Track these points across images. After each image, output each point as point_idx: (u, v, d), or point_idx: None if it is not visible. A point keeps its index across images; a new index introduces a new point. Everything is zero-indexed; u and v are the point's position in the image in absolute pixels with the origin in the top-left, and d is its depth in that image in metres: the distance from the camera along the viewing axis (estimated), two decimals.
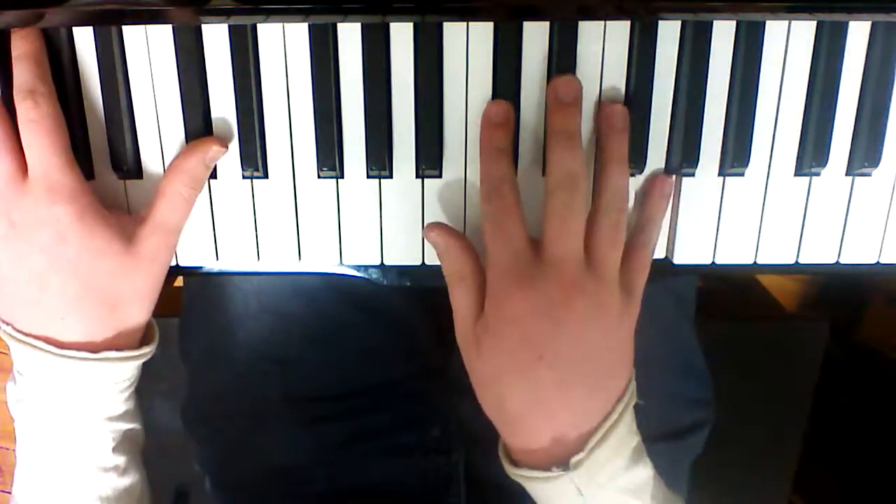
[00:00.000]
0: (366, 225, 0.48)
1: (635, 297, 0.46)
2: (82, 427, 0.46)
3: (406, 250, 0.49)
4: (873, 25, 0.45)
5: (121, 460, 0.48)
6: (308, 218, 0.48)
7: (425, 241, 0.48)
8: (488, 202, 0.44)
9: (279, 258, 0.49)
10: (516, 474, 0.47)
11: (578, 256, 0.43)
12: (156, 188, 0.46)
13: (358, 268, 0.51)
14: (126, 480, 0.49)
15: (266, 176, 0.48)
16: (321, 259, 0.49)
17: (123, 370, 0.47)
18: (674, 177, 0.48)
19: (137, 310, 0.47)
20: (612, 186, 0.45)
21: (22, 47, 0.43)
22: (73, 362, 0.44)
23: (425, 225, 0.47)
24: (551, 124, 0.45)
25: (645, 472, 0.46)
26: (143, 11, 0.42)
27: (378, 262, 0.49)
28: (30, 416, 0.47)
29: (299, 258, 0.49)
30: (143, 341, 0.49)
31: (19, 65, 0.43)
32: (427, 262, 0.49)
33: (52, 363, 0.44)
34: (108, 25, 0.44)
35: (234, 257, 0.49)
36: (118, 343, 0.46)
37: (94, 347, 0.45)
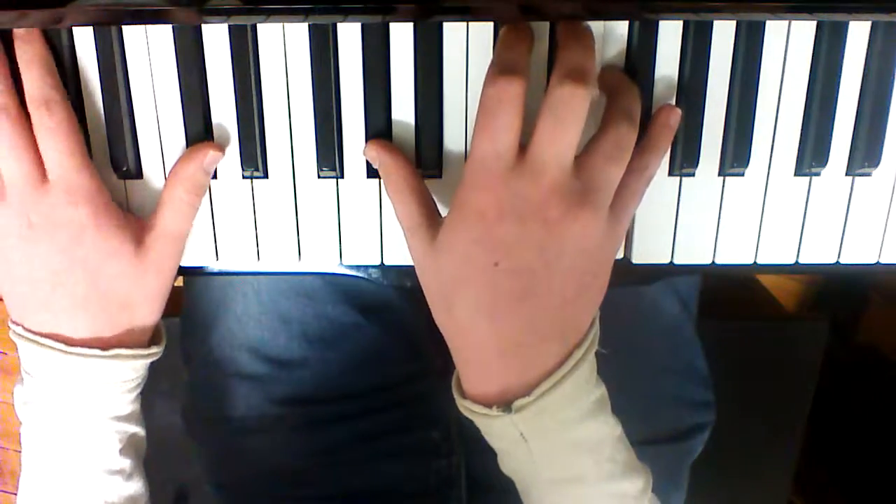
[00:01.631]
0: (366, 225, 0.48)
1: (622, 225, 0.42)
2: (89, 427, 0.46)
3: (406, 250, 0.49)
4: (873, 25, 0.45)
5: (126, 464, 0.48)
6: (308, 218, 0.48)
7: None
8: (492, 84, 0.39)
9: (279, 258, 0.49)
10: (463, 406, 0.44)
11: (566, 165, 0.39)
12: (158, 195, 0.46)
13: (358, 268, 0.51)
14: (131, 487, 0.49)
15: (266, 176, 0.48)
16: (321, 259, 0.49)
17: (132, 369, 0.47)
18: (679, 111, 0.45)
19: (147, 311, 0.47)
20: (624, 102, 0.41)
21: (29, 52, 0.43)
22: (81, 360, 0.44)
23: (365, 149, 0.45)
24: (562, 23, 0.42)
25: (604, 430, 0.43)
26: (146, 11, 0.42)
27: (378, 262, 0.49)
28: (36, 418, 0.47)
29: (299, 258, 0.49)
30: (152, 341, 0.49)
31: (29, 72, 0.43)
32: None
33: (60, 362, 0.44)
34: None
35: (234, 257, 0.49)
36: (127, 342, 0.46)
37: (103, 345, 0.45)
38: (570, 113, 0.39)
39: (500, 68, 0.40)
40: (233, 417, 0.65)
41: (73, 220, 0.43)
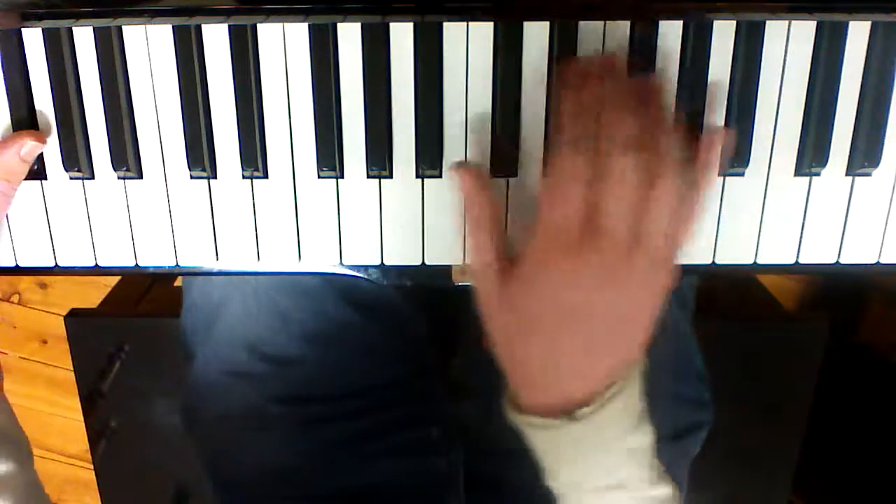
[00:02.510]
0: (366, 225, 0.48)
1: (670, 270, 0.44)
2: None
3: (406, 250, 0.49)
4: (873, 25, 0.45)
5: None
6: (308, 218, 0.48)
7: (425, 236, 0.48)
8: (563, 154, 0.42)
9: (279, 258, 0.49)
10: (521, 420, 0.46)
11: (630, 228, 0.42)
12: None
13: (358, 268, 0.51)
14: None
15: (266, 176, 0.48)
16: (321, 259, 0.49)
17: None
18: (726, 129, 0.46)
19: None
20: (701, 171, 0.43)
21: None
22: None
23: (450, 167, 0.47)
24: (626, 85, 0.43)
25: (646, 439, 0.46)
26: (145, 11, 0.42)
27: (378, 262, 0.49)
28: None
29: (299, 258, 0.49)
30: None
31: None
32: (427, 263, 0.49)
33: None
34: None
35: (234, 257, 0.49)
36: None
37: None
38: (628, 182, 0.41)
39: (569, 137, 0.42)
40: (232, 416, 0.65)
41: None
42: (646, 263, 0.43)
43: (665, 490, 0.47)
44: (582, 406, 0.43)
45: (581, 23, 0.45)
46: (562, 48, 0.45)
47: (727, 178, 0.48)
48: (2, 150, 0.46)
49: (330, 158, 0.47)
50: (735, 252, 0.49)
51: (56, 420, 1.64)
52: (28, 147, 0.46)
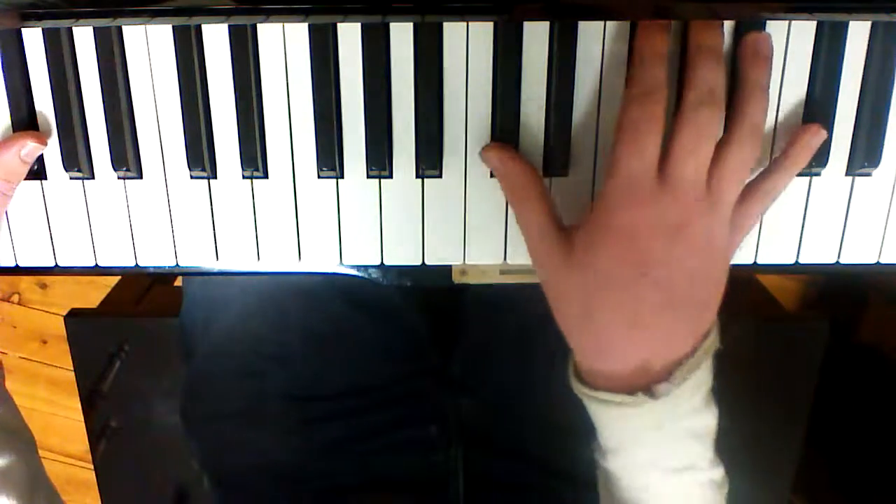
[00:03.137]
0: (366, 225, 0.48)
1: (740, 238, 0.45)
2: None
3: (406, 250, 0.49)
4: (873, 25, 0.45)
5: None
6: (308, 218, 0.48)
7: (425, 236, 0.48)
8: (638, 105, 0.42)
9: (279, 258, 0.49)
10: (592, 396, 0.45)
11: (703, 180, 0.42)
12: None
13: (358, 268, 0.51)
14: None
15: (266, 176, 0.48)
16: (321, 259, 0.49)
17: None
18: (819, 129, 0.46)
19: None
20: (750, 118, 0.43)
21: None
22: None
23: (483, 147, 0.46)
24: (697, 40, 0.43)
25: (713, 420, 0.45)
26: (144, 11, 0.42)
27: (378, 262, 0.49)
28: None
29: (299, 258, 0.49)
30: None
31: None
32: (427, 263, 0.49)
33: None
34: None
35: (234, 257, 0.49)
36: None
37: None
38: (704, 133, 0.41)
39: (642, 88, 0.42)
40: (233, 414, 0.65)
41: None
42: (720, 216, 0.42)
43: (721, 472, 0.47)
44: (656, 382, 0.42)
45: (581, 23, 0.45)
46: (562, 48, 0.45)
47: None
48: (2, 150, 0.46)
49: (330, 158, 0.47)
50: (735, 252, 0.49)
51: (56, 420, 1.64)
52: (29, 148, 0.46)
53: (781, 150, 0.46)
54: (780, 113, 0.47)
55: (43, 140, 0.47)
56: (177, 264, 0.49)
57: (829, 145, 0.47)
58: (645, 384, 0.43)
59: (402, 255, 0.49)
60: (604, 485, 0.48)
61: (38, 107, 0.47)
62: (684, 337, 0.43)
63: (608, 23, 0.45)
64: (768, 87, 0.44)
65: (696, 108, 0.41)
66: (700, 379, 0.43)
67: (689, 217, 0.41)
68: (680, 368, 0.43)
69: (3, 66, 0.46)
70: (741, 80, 0.44)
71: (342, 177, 0.48)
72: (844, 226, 0.49)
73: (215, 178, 0.48)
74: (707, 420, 0.45)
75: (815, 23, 0.45)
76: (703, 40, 0.43)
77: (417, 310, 0.66)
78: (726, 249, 0.44)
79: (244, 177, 0.48)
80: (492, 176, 0.47)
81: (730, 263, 0.44)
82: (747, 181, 0.44)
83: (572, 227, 0.44)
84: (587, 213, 0.44)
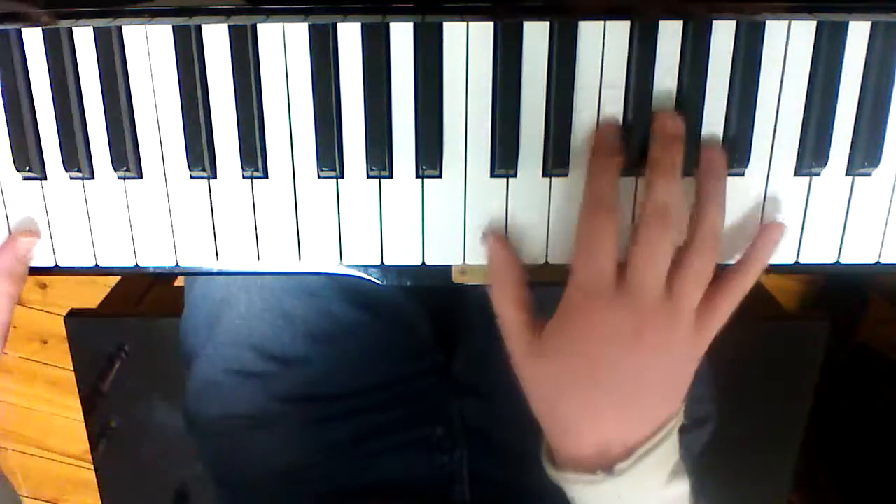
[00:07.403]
0: (366, 225, 0.48)
1: (707, 337, 0.46)
2: None
3: (406, 250, 0.49)
4: (873, 25, 0.45)
5: None
6: (308, 218, 0.48)
7: (425, 236, 0.48)
8: (591, 218, 0.44)
9: (279, 258, 0.49)
10: (559, 477, 0.47)
11: (659, 288, 0.44)
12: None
13: (358, 268, 0.51)
14: None
15: (266, 176, 0.48)
16: (321, 259, 0.49)
17: None
18: (784, 225, 0.48)
19: None
20: (709, 225, 0.45)
21: None
22: None
23: (484, 232, 0.48)
24: (654, 155, 0.45)
25: (682, 488, 0.47)
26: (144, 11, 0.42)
27: (378, 263, 0.49)
28: None
29: (299, 258, 0.49)
30: None
31: None
32: (427, 263, 0.49)
33: None
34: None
35: (234, 257, 0.49)
36: None
37: None
38: (658, 247, 0.43)
39: (596, 203, 0.44)
40: (236, 415, 0.65)
41: None
42: (681, 319, 0.44)
43: None
44: (619, 461, 0.44)
45: (581, 23, 0.45)
46: (562, 48, 0.45)
47: (727, 179, 0.48)
48: (2, 257, 0.47)
49: (330, 158, 0.47)
50: (735, 252, 0.49)
51: (56, 420, 1.64)
52: (23, 245, 0.47)
53: (746, 251, 0.47)
54: (780, 113, 0.47)
55: (33, 233, 0.48)
56: (177, 264, 0.49)
57: (829, 145, 0.47)
58: (606, 464, 0.44)
59: (402, 255, 0.49)
60: None
61: (38, 107, 0.47)
62: (643, 424, 0.45)
63: (608, 23, 0.45)
64: (724, 198, 0.46)
65: (649, 224, 0.43)
66: (662, 456, 0.45)
67: (646, 323, 0.43)
68: (639, 448, 0.44)
69: (2, 66, 0.46)
70: (698, 191, 0.45)
71: (342, 177, 0.48)
72: (844, 226, 0.49)
73: (215, 178, 0.48)
74: (677, 490, 0.46)
75: (815, 23, 0.45)
76: (661, 157, 0.44)
77: (420, 310, 0.66)
78: (690, 349, 0.45)
79: (244, 177, 0.48)
80: (492, 176, 0.47)
81: (698, 360, 0.46)
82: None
83: (544, 319, 0.46)
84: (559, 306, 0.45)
